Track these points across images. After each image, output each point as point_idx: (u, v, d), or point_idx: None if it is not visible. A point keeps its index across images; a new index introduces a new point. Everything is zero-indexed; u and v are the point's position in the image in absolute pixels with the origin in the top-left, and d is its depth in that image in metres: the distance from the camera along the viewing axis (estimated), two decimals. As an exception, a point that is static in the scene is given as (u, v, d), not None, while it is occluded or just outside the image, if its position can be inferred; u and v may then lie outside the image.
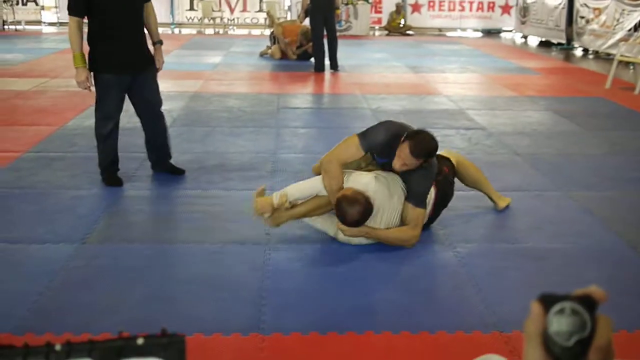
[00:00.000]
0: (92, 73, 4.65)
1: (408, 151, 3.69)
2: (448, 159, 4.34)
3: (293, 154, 5.82)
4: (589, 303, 0.75)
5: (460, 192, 4.85)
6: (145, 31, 4.85)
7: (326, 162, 3.87)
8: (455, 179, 4.36)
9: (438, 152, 4.37)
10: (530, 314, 0.76)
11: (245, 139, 6.32)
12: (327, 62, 10.68)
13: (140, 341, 1.16)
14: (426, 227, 4.04)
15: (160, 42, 4.99)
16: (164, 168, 5.13)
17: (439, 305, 3.32)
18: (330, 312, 3.18)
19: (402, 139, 3.74)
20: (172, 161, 5.19)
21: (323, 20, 10.39)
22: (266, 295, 3.33)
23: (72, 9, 4.53)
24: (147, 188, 4.87)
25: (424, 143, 3.73)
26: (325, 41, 10.55)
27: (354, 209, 3.63)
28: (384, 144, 3.84)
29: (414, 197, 3.84)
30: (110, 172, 4.89)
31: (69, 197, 4.59)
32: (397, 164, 3.77)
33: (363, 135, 3.89)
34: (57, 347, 1.15)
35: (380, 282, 3.52)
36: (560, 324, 0.74)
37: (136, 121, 5.08)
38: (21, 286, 3.35)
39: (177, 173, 5.11)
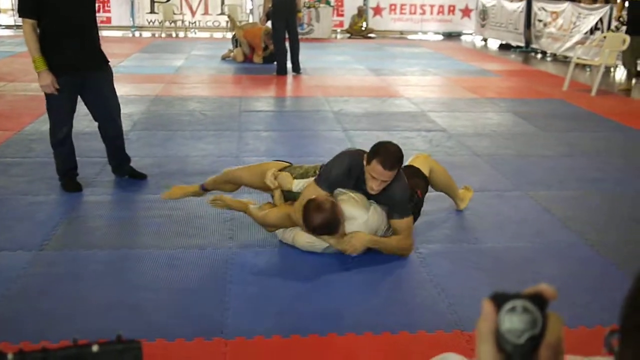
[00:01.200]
0: None
1: (381, 168, 3.57)
2: (422, 175, 4.26)
3: (255, 157, 5.79)
4: (539, 301, 0.77)
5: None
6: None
7: (292, 215, 3.77)
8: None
9: (411, 157, 4.41)
10: (482, 312, 0.77)
11: (207, 143, 6.28)
12: (289, 65, 10.68)
13: (95, 348, 1.14)
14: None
15: None
16: (125, 172, 5.06)
17: (401, 306, 3.34)
18: (293, 315, 3.18)
19: (366, 160, 3.63)
20: (133, 165, 5.13)
21: (285, 23, 10.38)
22: (229, 299, 3.31)
23: (24, 11, 4.40)
24: (108, 193, 4.80)
25: (391, 154, 3.62)
26: (287, 44, 10.53)
27: (318, 216, 3.56)
28: (342, 175, 3.74)
29: (398, 209, 3.75)
30: (69, 178, 4.79)
31: (26, 204, 4.50)
32: (373, 185, 3.63)
33: (319, 178, 3.77)
34: (10, 357, 1.13)
35: (343, 285, 3.53)
36: (512, 321, 0.75)
37: (95, 125, 5.01)
38: (-21, 294, 3.28)
39: (138, 177, 5.04)
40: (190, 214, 4.38)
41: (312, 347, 2.92)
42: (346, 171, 3.74)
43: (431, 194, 4.70)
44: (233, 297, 3.32)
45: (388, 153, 3.62)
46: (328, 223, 3.58)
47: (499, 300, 0.77)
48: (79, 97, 4.73)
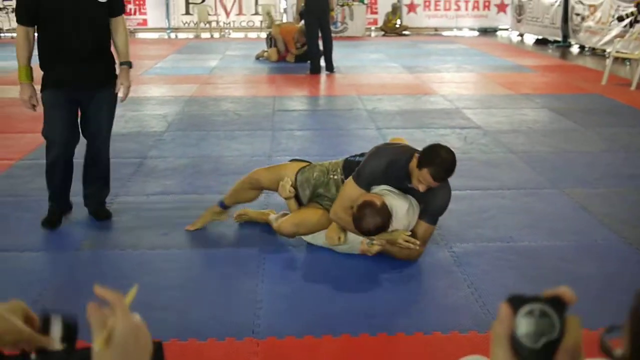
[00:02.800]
0: (40, 91, 4.05)
1: (431, 179, 3.47)
2: None
3: (288, 156, 5.77)
4: (558, 304, 0.74)
5: (456, 191, 4.84)
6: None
7: (333, 216, 3.73)
8: None
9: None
10: (499, 315, 0.75)
11: (241, 142, 6.31)
12: (323, 64, 10.67)
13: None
14: None
15: (128, 64, 4.23)
16: (92, 208, 4.32)
17: (433, 306, 3.31)
18: (324, 315, 3.17)
19: (417, 163, 3.50)
20: (108, 204, 4.42)
21: (317, 22, 10.37)
22: (261, 299, 3.31)
23: (19, 17, 3.97)
24: (141, 193, 4.85)
25: (445, 165, 3.48)
26: (321, 43, 10.53)
27: (373, 220, 3.50)
28: (380, 173, 3.66)
29: (431, 214, 3.69)
30: (52, 216, 4.18)
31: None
32: (420, 187, 3.54)
33: (357, 176, 3.69)
34: (33, 357, 1.15)
35: (376, 284, 3.51)
36: (528, 325, 0.73)
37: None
38: (15, 294, 3.32)
39: (102, 217, 4.29)
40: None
41: (344, 347, 2.90)
42: (384, 169, 3.65)
43: (464, 192, 4.66)
44: (265, 298, 3.33)
45: (442, 165, 3.47)
46: (383, 225, 3.54)
47: (516, 303, 0.75)
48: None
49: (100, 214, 4.29)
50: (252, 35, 17.67)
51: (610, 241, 4.04)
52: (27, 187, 4.93)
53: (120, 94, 4.22)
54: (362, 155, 3.93)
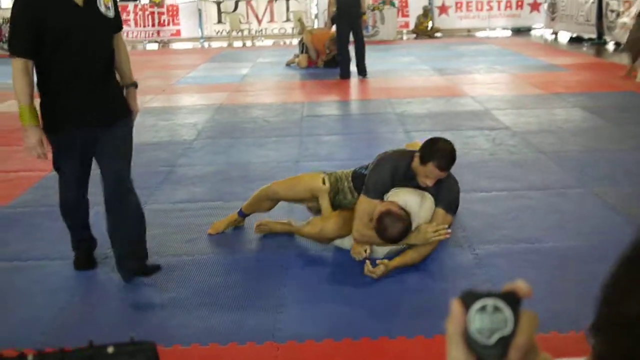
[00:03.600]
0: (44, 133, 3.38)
1: (437, 171, 3.58)
2: None
3: (316, 161, 5.83)
4: (512, 299, 0.74)
5: (482, 193, 4.82)
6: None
7: (357, 236, 3.75)
8: None
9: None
10: (450, 312, 0.75)
11: (268, 149, 6.36)
12: (353, 68, 10.66)
13: (110, 350, 1.19)
14: None
15: (134, 85, 3.65)
16: (133, 269, 3.56)
17: (455, 308, 3.29)
18: (344, 319, 3.19)
19: (419, 160, 3.62)
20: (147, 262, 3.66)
21: (349, 27, 10.36)
22: (282, 304, 3.34)
23: (15, 48, 3.24)
24: (168, 201, 4.93)
25: (448, 154, 3.61)
26: (353, 48, 10.51)
27: (396, 227, 3.56)
28: (387, 179, 3.74)
29: (446, 203, 3.72)
30: (82, 251, 3.82)
31: (93, 214, 4.67)
32: (427, 182, 3.64)
33: (367, 190, 3.75)
34: (30, 358, 1.19)
35: (397, 287, 3.51)
36: (481, 321, 0.73)
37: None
38: (44, 301, 3.43)
39: (152, 273, 3.56)
40: (248, 220, 4.44)
41: (364, 350, 2.91)
42: (390, 175, 3.74)
43: (489, 194, 4.63)
44: (286, 302, 3.36)
45: (445, 154, 3.61)
46: (406, 228, 3.59)
47: (469, 299, 0.75)
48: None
49: (148, 270, 3.55)
50: (284, 41, 17.77)
51: None
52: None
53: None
54: (367, 167, 3.96)
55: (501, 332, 0.72)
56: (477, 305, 0.73)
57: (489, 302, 0.73)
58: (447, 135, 6.53)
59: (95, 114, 3.38)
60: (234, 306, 3.35)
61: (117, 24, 3.53)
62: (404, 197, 3.68)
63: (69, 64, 3.29)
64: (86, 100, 3.35)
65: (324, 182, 4.03)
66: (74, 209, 3.71)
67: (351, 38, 10.47)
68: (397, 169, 3.74)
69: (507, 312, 0.73)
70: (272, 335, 3.04)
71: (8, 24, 3.32)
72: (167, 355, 2.72)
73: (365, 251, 3.74)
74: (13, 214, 4.79)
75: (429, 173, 3.60)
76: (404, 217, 3.55)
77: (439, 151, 3.61)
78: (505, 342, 0.72)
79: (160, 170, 5.58)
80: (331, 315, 3.22)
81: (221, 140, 6.80)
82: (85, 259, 3.80)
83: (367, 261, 3.61)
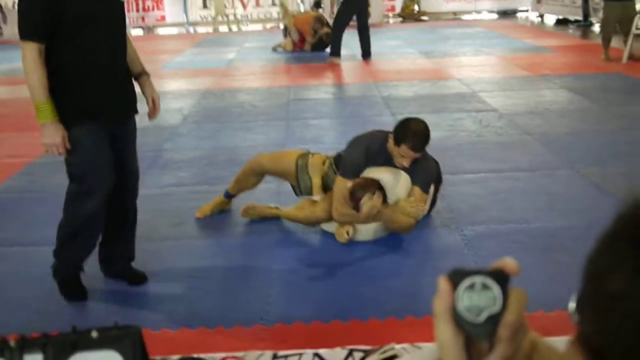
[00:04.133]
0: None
1: (411, 152, 3.61)
2: None
3: (302, 144, 5.77)
4: (500, 277, 0.73)
5: (469, 174, 4.82)
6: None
7: (337, 216, 3.74)
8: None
9: None
10: (438, 290, 0.73)
11: (256, 133, 6.33)
12: (348, 52, 10.59)
13: (94, 334, 1.17)
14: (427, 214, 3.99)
15: (147, 74, 3.34)
16: (121, 271, 3.41)
17: (444, 289, 3.29)
18: (334, 301, 3.18)
19: (393, 141, 3.63)
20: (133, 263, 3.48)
21: (354, 14, 10.36)
22: (270, 287, 3.34)
23: (29, 31, 2.83)
24: (155, 186, 4.88)
25: (420, 135, 3.64)
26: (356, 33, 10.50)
27: (365, 190, 3.55)
28: (361, 159, 3.76)
29: (422, 182, 3.75)
30: (76, 281, 3.29)
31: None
32: (404, 162, 3.65)
33: (342, 171, 3.77)
34: (12, 343, 1.17)
35: (385, 269, 3.51)
36: (470, 299, 0.71)
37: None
38: (31, 288, 3.41)
39: (137, 281, 3.39)
40: (235, 204, 4.42)
41: (353, 332, 2.91)
42: (363, 155, 3.75)
43: (476, 175, 4.63)
44: (274, 285, 3.35)
45: (417, 135, 3.63)
46: (378, 188, 3.58)
47: (457, 277, 0.73)
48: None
49: (137, 277, 3.41)
50: (270, 26, 17.66)
51: (625, 220, 3.98)
52: (45, 183, 4.99)
53: (148, 110, 3.33)
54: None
55: (490, 310, 0.71)
56: (466, 282, 0.72)
57: (478, 279, 0.72)
58: (433, 118, 6.56)
59: (119, 108, 3.12)
60: (221, 290, 3.34)
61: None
62: (378, 175, 3.71)
63: (91, 53, 2.93)
64: (110, 94, 3.03)
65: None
66: (92, 226, 3.14)
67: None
68: (370, 149, 3.76)
69: (496, 289, 0.71)
70: (260, 318, 3.03)
71: (17, 8, 2.86)
72: (154, 339, 2.71)
73: (348, 233, 3.74)
74: (-2, 200, 4.74)
75: (403, 153, 3.63)
76: (373, 184, 3.58)
77: (412, 132, 3.62)
78: (494, 320, 0.71)
79: (146, 155, 5.50)
80: (319, 298, 3.22)
81: (208, 125, 6.75)
82: (80, 287, 3.29)
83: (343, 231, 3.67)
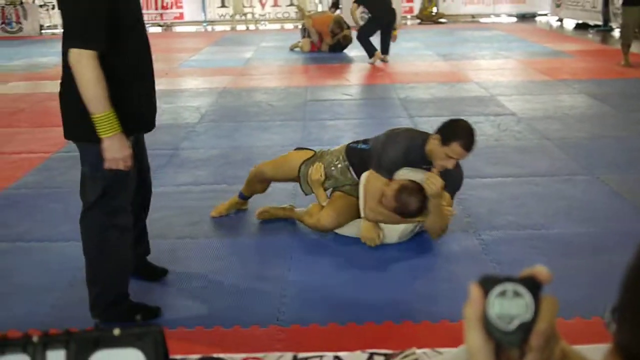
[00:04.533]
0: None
1: (462, 150, 3.47)
2: None
3: (319, 145, 5.74)
4: (532, 285, 0.71)
5: (487, 179, 4.80)
6: None
7: (369, 214, 3.68)
8: None
9: None
10: (469, 297, 0.72)
11: (272, 133, 6.33)
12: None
13: (116, 332, 1.16)
14: None
15: None
16: (141, 267, 3.33)
17: (460, 294, 3.25)
18: (350, 303, 3.17)
19: (440, 141, 3.49)
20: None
21: (377, 30, 10.38)
22: (286, 287, 3.33)
23: (89, 37, 2.56)
24: (172, 183, 4.89)
25: (471, 134, 3.51)
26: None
27: (415, 201, 3.51)
28: (401, 159, 3.66)
29: (452, 186, 3.67)
30: (123, 305, 2.98)
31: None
32: (447, 164, 3.53)
33: (379, 166, 3.68)
34: (35, 339, 1.16)
35: (402, 272, 3.49)
36: (501, 307, 0.70)
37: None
38: (46, 283, 3.42)
39: (157, 276, 3.39)
40: (253, 203, 4.41)
41: (368, 335, 2.89)
42: (404, 155, 3.65)
43: (494, 180, 4.60)
44: (290, 286, 3.34)
45: (469, 134, 3.50)
46: (424, 201, 3.52)
47: (488, 284, 0.72)
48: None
49: (157, 272, 3.40)
50: (288, 26, 17.68)
51: (645, 228, 3.95)
52: (62, 179, 5.02)
53: None
54: (365, 142, 3.95)
55: (521, 317, 0.69)
56: (497, 290, 0.71)
57: (509, 287, 0.71)
58: (451, 121, 6.53)
59: (154, 116, 2.97)
60: (237, 290, 3.33)
61: None
62: (410, 176, 3.64)
63: (137, 60, 2.80)
64: (150, 103, 2.92)
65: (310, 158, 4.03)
66: (127, 240, 2.97)
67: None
68: (410, 150, 3.65)
69: (528, 297, 0.70)
70: (276, 319, 3.02)
71: (72, 12, 2.61)
72: (171, 337, 2.68)
73: (379, 237, 3.69)
74: (15, 195, 4.76)
75: (452, 153, 3.47)
76: (420, 189, 3.51)
77: (463, 130, 3.51)
78: (525, 328, 0.69)
79: (163, 153, 5.54)
80: (335, 300, 3.20)
81: (225, 124, 6.76)
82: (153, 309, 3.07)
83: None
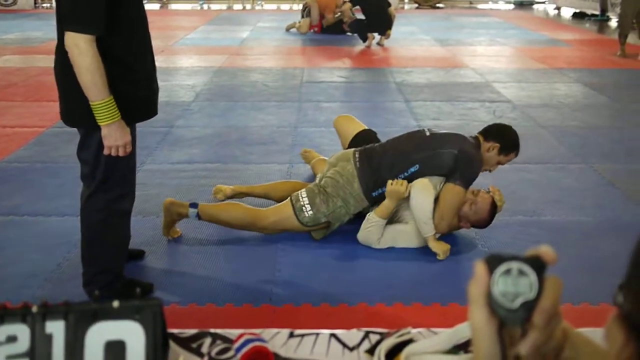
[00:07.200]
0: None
1: (515, 157, 3.78)
2: None
3: (314, 127, 5.80)
4: (537, 264, 0.73)
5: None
6: None
7: (446, 227, 3.53)
8: None
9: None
10: (474, 274, 0.73)
11: (267, 113, 6.32)
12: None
13: (115, 304, 1.18)
14: None
15: None
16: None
17: (453, 278, 3.30)
18: (342, 285, 3.19)
19: (502, 151, 3.67)
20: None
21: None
22: (280, 267, 3.34)
23: (87, 21, 2.45)
24: (166, 162, 4.89)
25: (519, 144, 3.76)
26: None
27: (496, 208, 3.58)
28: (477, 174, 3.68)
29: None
30: (118, 283, 2.97)
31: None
32: (493, 170, 3.79)
33: (467, 181, 3.56)
34: (34, 309, 1.17)
35: (395, 256, 3.51)
36: (506, 284, 0.71)
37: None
38: (40, 257, 3.42)
39: (134, 257, 3.37)
40: (247, 182, 4.41)
41: (360, 315, 2.92)
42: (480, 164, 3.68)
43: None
44: (283, 266, 3.36)
45: (519, 144, 3.75)
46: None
47: (494, 262, 0.73)
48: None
49: (133, 253, 3.34)
50: (285, 7, 17.56)
51: (637, 217, 3.98)
52: (56, 153, 5.01)
53: None
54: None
55: (525, 296, 0.71)
56: (502, 268, 0.72)
57: (514, 265, 0.72)
58: (446, 106, 6.56)
59: (155, 100, 2.88)
60: (230, 268, 3.35)
61: None
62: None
63: (141, 45, 2.72)
64: (154, 90, 2.83)
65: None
66: (128, 224, 3.01)
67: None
68: (480, 163, 3.68)
69: (532, 276, 0.72)
70: (269, 298, 3.04)
71: None
72: (166, 313, 2.71)
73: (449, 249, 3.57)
74: (9, 168, 4.75)
75: (505, 161, 3.74)
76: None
77: (517, 141, 3.73)
78: (529, 307, 0.71)
79: (158, 130, 5.53)
80: (328, 282, 3.22)
81: (219, 103, 6.74)
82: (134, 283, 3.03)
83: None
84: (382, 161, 3.62)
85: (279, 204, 3.68)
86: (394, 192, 3.48)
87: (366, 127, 4.40)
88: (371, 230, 3.54)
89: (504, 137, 3.71)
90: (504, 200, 3.62)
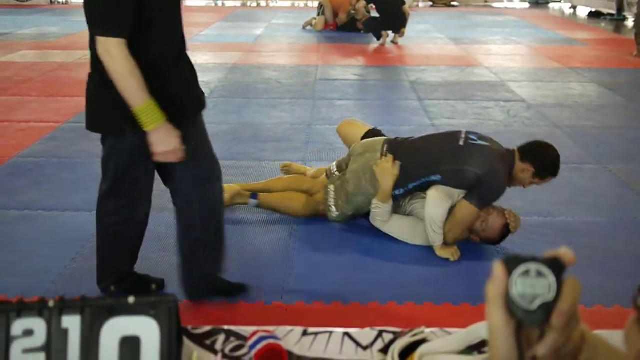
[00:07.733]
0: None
1: (553, 178, 3.62)
2: None
3: (327, 125, 5.80)
4: (556, 265, 0.72)
5: (495, 164, 4.78)
6: None
7: (451, 240, 3.51)
8: None
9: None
10: (493, 275, 0.73)
11: (281, 110, 6.32)
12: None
13: (131, 300, 1.18)
14: None
15: None
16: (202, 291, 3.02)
17: (465, 278, 3.29)
18: (354, 283, 3.19)
19: (538, 174, 3.53)
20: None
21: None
22: (292, 265, 3.35)
23: (114, 24, 2.34)
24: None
25: (557, 168, 3.60)
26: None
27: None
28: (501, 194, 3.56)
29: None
30: (129, 280, 2.98)
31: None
32: (524, 187, 3.67)
33: (481, 203, 3.47)
34: (51, 304, 1.18)
35: (407, 255, 3.50)
36: (524, 286, 0.71)
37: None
38: (54, 252, 3.44)
39: (232, 292, 3.08)
40: (260, 180, 4.42)
41: (371, 314, 2.92)
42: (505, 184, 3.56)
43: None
44: (296, 264, 3.36)
45: (558, 166, 3.60)
46: None
47: (512, 263, 0.73)
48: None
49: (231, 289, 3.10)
50: (300, 4, 17.57)
51: (651, 219, 3.95)
52: (71, 149, 5.04)
53: None
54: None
55: (543, 297, 0.70)
56: (520, 269, 0.72)
57: (533, 266, 0.72)
58: (461, 105, 6.54)
59: (191, 104, 2.77)
60: (242, 265, 3.35)
61: None
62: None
63: (170, 43, 2.58)
64: (184, 90, 2.67)
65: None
66: (143, 223, 2.96)
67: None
68: (506, 177, 3.56)
69: (551, 278, 0.71)
70: (280, 296, 3.05)
71: None
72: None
73: (458, 252, 3.54)
74: (24, 163, 4.78)
75: (539, 183, 3.60)
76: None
77: (554, 165, 3.57)
78: (547, 308, 0.70)
79: (172, 126, 5.54)
80: (340, 280, 3.22)
81: (234, 100, 6.75)
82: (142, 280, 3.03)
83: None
84: (407, 162, 3.56)
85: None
86: (385, 171, 3.53)
87: (371, 127, 4.28)
88: (375, 212, 3.60)
89: (540, 161, 3.53)
90: (520, 224, 3.51)
